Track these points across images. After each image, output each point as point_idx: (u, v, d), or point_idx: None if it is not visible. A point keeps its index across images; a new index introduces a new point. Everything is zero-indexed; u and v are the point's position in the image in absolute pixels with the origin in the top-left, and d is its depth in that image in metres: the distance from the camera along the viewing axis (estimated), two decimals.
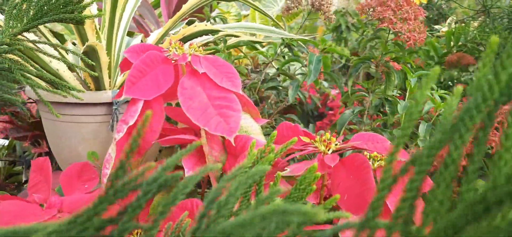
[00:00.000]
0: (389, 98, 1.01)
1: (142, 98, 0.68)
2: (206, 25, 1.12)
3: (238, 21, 2.72)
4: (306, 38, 1.07)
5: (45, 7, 0.53)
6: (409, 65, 1.04)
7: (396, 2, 0.95)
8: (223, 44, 1.13)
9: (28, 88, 1.34)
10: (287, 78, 1.30)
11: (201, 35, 1.21)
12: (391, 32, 0.98)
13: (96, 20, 1.26)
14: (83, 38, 1.22)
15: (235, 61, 1.24)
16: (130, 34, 1.87)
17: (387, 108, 1.01)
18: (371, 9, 0.98)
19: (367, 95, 1.04)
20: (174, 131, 0.73)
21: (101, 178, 0.68)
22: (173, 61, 0.73)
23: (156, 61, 0.71)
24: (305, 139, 0.66)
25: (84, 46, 0.98)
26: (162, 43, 1.13)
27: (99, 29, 1.27)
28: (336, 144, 0.65)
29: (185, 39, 1.19)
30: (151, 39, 1.43)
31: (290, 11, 1.22)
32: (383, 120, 1.03)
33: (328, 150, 0.64)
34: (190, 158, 0.69)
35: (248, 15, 2.49)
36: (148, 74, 0.70)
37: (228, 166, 0.72)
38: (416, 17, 0.95)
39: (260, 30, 1.11)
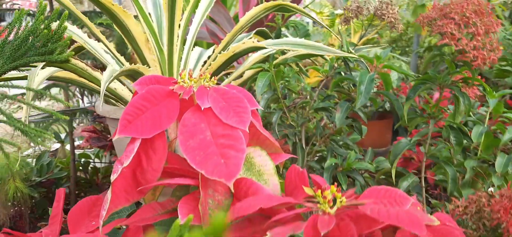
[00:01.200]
0: (455, 126, 0.85)
1: (140, 137, 0.64)
2: (253, 42, 1.05)
3: (332, 21, 2.61)
4: (354, 55, 0.95)
5: (22, 48, 0.51)
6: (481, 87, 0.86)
7: (461, 14, 0.78)
8: (270, 61, 1.05)
9: (97, 102, 1.41)
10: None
11: (250, 52, 1.15)
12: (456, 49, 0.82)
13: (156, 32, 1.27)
14: (139, 55, 1.24)
15: (293, 77, 1.15)
16: (202, 44, 1.88)
17: (452, 138, 0.85)
18: (433, 22, 0.83)
19: (427, 121, 0.89)
20: (175, 171, 0.68)
21: (99, 220, 0.66)
22: (180, 95, 0.68)
23: (158, 96, 0.67)
24: (309, 191, 0.56)
25: (126, 69, 0.98)
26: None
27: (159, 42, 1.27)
28: (341, 201, 0.54)
29: (235, 56, 1.14)
30: (206, 55, 1.40)
31: (350, 22, 1.10)
32: (448, 148, 0.87)
33: (331, 209, 0.54)
34: (187, 204, 0.63)
35: (342, 14, 2.36)
36: (149, 111, 0.66)
37: (232, 211, 0.65)
38: (487, 31, 0.77)
39: (308, 47, 1.01)
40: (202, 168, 0.62)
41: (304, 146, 1.07)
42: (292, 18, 2.27)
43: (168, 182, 0.63)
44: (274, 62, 1.05)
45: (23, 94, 2.07)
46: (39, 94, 1.98)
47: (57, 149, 2.56)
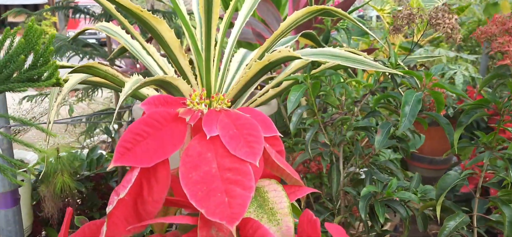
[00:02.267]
0: None
1: (139, 166, 0.58)
2: (289, 51, 0.96)
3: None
4: (398, 72, 0.83)
5: (5, 71, 0.47)
6: None
7: None
8: (307, 72, 0.96)
9: (134, 106, 1.38)
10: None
11: (286, 61, 1.06)
12: None
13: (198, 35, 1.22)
14: (173, 61, 1.19)
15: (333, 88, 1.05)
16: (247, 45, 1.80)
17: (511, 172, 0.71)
18: (493, 38, 0.70)
19: (482, 150, 0.76)
20: (179, 203, 0.62)
21: None
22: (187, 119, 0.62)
23: (162, 120, 0.60)
24: None
25: (150, 80, 0.93)
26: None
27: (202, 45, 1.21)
28: None
29: (271, 65, 1.06)
30: (250, 57, 1.32)
31: (400, 32, 0.98)
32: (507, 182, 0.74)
33: None
34: None
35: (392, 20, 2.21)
36: (150, 136, 0.59)
37: None
38: None
39: (346, 59, 0.90)
40: (202, 207, 0.55)
41: (341, 167, 0.97)
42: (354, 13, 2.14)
43: (164, 220, 0.57)
44: (312, 72, 0.96)
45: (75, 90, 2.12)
46: (85, 94, 2.01)
47: (109, 142, 2.62)
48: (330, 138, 0.97)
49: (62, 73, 0.97)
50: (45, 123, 0.95)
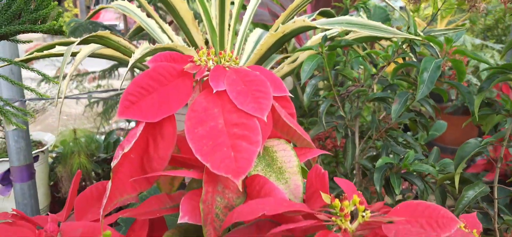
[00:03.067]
0: None
1: (144, 120, 0.57)
2: (303, 20, 0.94)
3: (417, 7, 2.39)
4: (419, 38, 0.80)
5: (13, 6, 0.46)
6: None
7: None
8: (322, 42, 0.93)
9: None
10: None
11: (301, 32, 1.04)
12: None
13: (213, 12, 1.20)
14: (187, 35, 1.18)
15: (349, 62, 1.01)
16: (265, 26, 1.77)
17: None
18: None
19: (505, 119, 0.72)
20: (186, 161, 0.60)
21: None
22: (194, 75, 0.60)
23: (167, 75, 0.59)
24: (326, 199, 0.45)
25: (160, 47, 0.92)
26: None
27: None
28: (364, 216, 0.42)
29: (285, 37, 1.04)
30: (253, 38, 1.31)
31: (419, 2, 0.94)
32: None
33: (351, 223, 0.42)
34: (191, 199, 0.55)
35: None
36: (156, 91, 0.58)
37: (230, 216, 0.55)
38: None
39: (364, 27, 0.87)
40: (207, 161, 0.53)
41: (357, 141, 0.94)
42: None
43: (169, 173, 0.55)
44: (328, 44, 0.93)
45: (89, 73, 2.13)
46: (106, 73, 2.02)
47: (126, 129, 2.63)
48: (345, 111, 0.94)
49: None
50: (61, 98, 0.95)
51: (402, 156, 0.86)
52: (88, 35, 0.90)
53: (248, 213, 0.45)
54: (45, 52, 1.07)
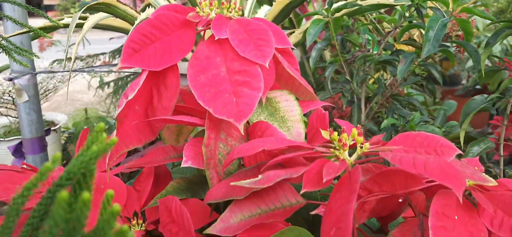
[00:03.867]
0: None
1: (147, 69, 0.57)
2: None
3: None
4: None
5: None
6: None
7: None
8: (328, 6, 0.93)
9: None
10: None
11: None
12: None
13: None
14: (192, 3, 1.18)
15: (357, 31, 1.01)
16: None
17: None
18: None
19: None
20: (189, 111, 0.61)
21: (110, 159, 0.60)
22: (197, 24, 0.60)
23: (170, 24, 0.59)
24: (325, 135, 0.45)
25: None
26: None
27: None
28: (362, 147, 0.43)
29: (292, 4, 1.03)
30: (261, 14, 1.30)
31: None
32: None
33: (350, 156, 0.43)
34: (195, 146, 0.56)
35: None
36: (159, 41, 0.58)
37: (248, 160, 0.56)
38: None
39: None
40: (210, 106, 0.53)
41: (362, 106, 0.94)
42: None
43: (172, 118, 0.56)
44: (337, 14, 0.93)
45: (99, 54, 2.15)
46: (116, 54, 2.03)
47: None
48: (351, 75, 0.93)
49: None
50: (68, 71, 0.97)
51: (408, 118, 0.85)
52: (95, 2, 0.91)
53: (248, 149, 0.46)
54: (53, 24, 1.08)
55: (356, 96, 0.96)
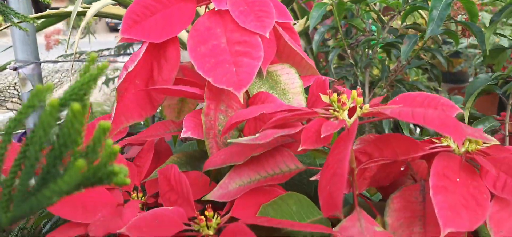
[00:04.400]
0: None
1: (147, 41, 0.57)
2: None
3: None
4: None
5: None
6: None
7: None
8: None
9: None
10: None
11: None
12: None
13: None
14: None
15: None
16: None
17: None
18: None
19: None
20: (188, 83, 0.60)
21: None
22: None
23: None
24: (325, 99, 0.45)
25: None
26: None
27: None
28: (362, 108, 0.42)
29: None
30: None
31: None
32: None
33: (350, 118, 0.42)
34: (194, 117, 0.55)
35: None
36: (159, 13, 0.58)
37: (248, 129, 0.55)
38: None
39: None
40: (209, 76, 0.53)
41: (366, 90, 0.94)
42: None
43: (170, 88, 0.56)
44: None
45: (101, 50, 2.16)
46: (121, 50, 2.04)
47: None
48: (354, 59, 0.93)
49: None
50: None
51: None
52: None
53: (248, 114, 0.45)
54: (58, 11, 1.09)
55: (359, 82, 0.96)
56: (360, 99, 0.42)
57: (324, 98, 0.44)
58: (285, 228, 0.44)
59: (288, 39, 0.61)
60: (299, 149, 0.37)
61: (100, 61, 2.30)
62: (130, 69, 0.56)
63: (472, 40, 1.21)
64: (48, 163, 0.22)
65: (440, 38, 0.99)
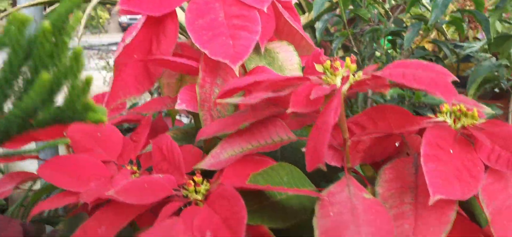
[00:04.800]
0: None
1: (145, 13, 0.57)
2: None
3: None
4: None
5: None
6: None
7: None
8: None
9: None
10: None
11: None
12: None
13: None
14: None
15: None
16: None
17: None
18: None
19: None
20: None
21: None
22: None
23: None
24: (319, 68, 0.44)
25: None
26: None
27: None
28: (354, 75, 0.42)
29: None
30: None
31: None
32: None
33: (343, 83, 0.42)
34: (190, 90, 0.55)
35: None
36: None
37: (243, 104, 0.55)
38: None
39: None
40: (206, 48, 0.53)
41: None
42: None
43: (168, 60, 0.56)
44: None
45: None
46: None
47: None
48: (358, 49, 0.92)
49: None
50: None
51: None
52: None
53: (241, 81, 0.45)
54: None
55: None
56: (354, 66, 0.41)
57: (318, 67, 0.44)
58: (274, 197, 0.44)
59: (288, 17, 0.60)
60: (289, 111, 0.37)
61: (110, 56, 2.32)
62: (127, 41, 0.57)
63: (480, 35, 1.19)
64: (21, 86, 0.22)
65: (445, 30, 0.98)
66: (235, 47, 0.52)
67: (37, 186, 0.94)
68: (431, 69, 0.39)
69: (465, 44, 0.97)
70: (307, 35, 0.62)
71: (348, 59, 0.42)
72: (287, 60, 0.58)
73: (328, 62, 0.42)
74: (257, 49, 0.58)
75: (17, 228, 0.56)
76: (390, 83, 0.43)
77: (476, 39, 1.33)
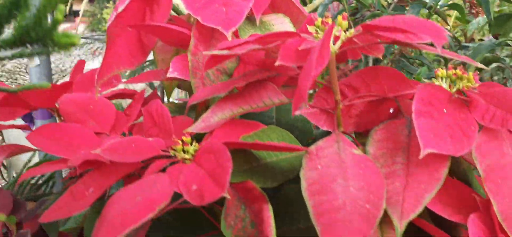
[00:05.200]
0: None
1: None
2: None
3: None
4: None
5: None
6: None
7: None
8: None
9: None
10: None
11: None
12: None
13: None
14: None
15: None
16: None
17: None
18: None
19: None
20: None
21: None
22: None
23: None
24: (311, 29, 0.44)
25: None
26: None
27: None
28: (346, 32, 0.41)
29: None
30: None
31: None
32: None
33: (334, 44, 0.41)
34: (183, 59, 0.55)
35: None
36: None
37: (237, 71, 0.54)
38: None
39: None
40: (198, 14, 0.52)
41: (371, 65, 0.92)
42: None
43: (161, 26, 0.55)
44: None
45: None
46: None
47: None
48: None
49: None
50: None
51: (415, 75, 0.82)
52: None
53: (232, 43, 0.44)
54: None
55: (364, 57, 0.94)
56: (345, 23, 0.40)
57: (310, 28, 0.43)
58: (264, 159, 0.43)
59: None
60: (277, 63, 0.36)
61: None
62: (120, 9, 0.56)
63: (486, 38, 1.18)
64: None
65: (446, 18, 0.97)
66: (228, 13, 0.52)
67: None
68: (424, 25, 0.38)
69: (470, 45, 0.96)
70: (303, 8, 0.62)
71: (339, 17, 0.41)
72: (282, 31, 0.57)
73: (320, 19, 0.41)
74: (252, 19, 0.57)
75: (8, 197, 0.56)
76: (381, 42, 0.42)
77: (481, 40, 1.32)
